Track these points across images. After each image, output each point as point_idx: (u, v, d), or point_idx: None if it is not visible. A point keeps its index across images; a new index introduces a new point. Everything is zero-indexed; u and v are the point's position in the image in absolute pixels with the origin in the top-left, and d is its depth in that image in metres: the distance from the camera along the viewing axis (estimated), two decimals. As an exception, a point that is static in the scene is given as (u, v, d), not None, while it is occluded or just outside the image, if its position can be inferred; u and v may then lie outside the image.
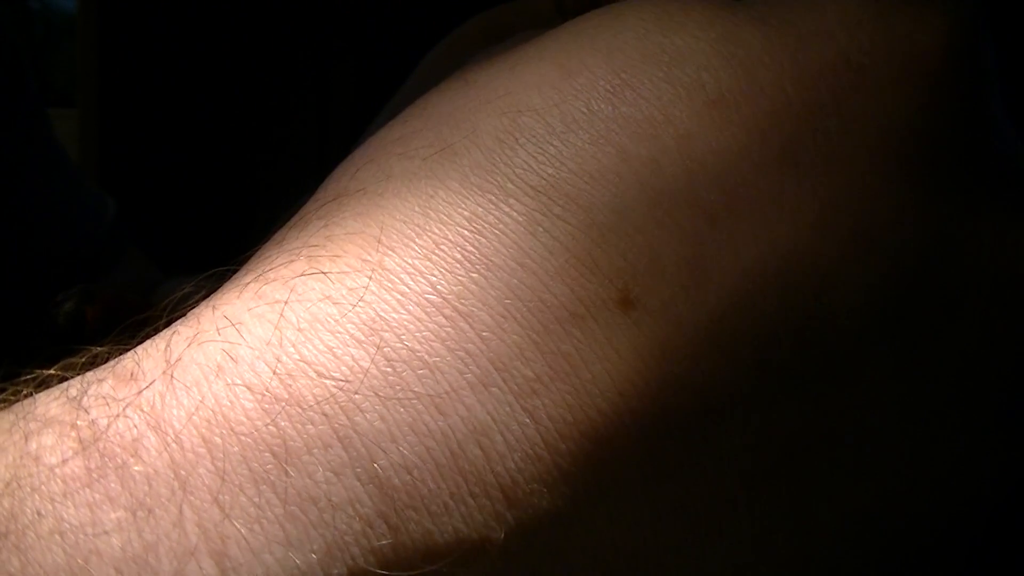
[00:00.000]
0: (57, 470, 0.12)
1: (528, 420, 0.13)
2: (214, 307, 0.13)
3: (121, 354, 0.13)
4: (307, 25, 1.01)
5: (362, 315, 0.13)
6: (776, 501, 0.14)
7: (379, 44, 0.94)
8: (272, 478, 0.12)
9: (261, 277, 0.14)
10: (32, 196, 0.40)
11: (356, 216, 0.14)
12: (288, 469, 0.12)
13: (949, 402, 0.15)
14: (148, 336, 0.14)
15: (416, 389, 0.12)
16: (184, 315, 0.14)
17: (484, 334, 0.13)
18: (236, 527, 0.11)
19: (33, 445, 0.12)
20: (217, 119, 1.02)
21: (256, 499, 0.12)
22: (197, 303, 0.14)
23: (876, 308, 0.14)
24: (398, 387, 0.12)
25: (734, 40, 0.15)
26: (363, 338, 0.13)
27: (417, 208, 0.14)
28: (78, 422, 0.12)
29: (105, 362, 0.13)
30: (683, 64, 0.15)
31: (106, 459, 0.12)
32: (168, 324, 0.14)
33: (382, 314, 0.13)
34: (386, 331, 0.13)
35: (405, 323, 0.13)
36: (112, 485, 0.11)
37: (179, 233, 0.89)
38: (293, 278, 0.13)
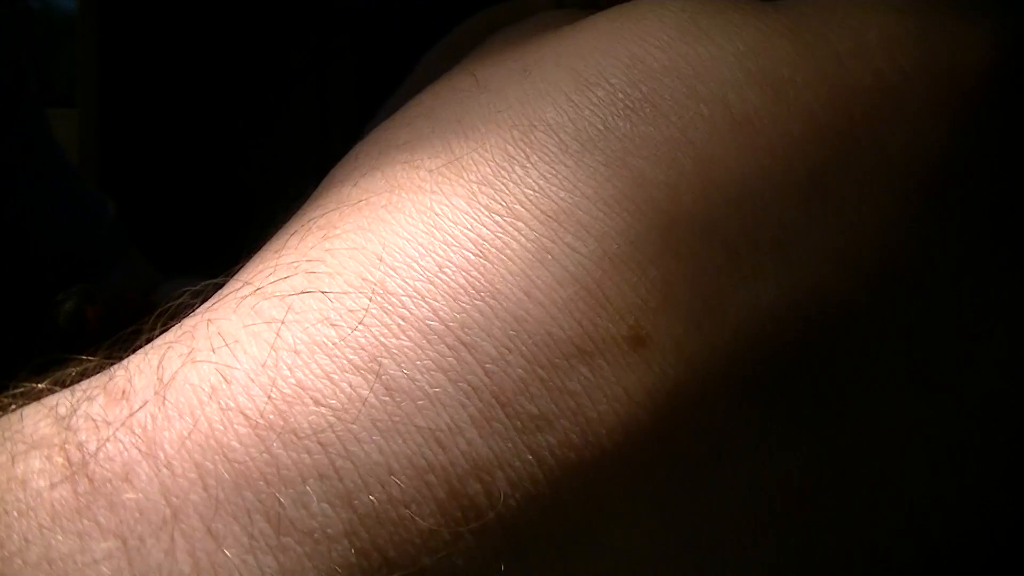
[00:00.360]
0: (45, 495, 0.11)
1: (531, 458, 0.12)
2: (209, 321, 0.13)
3: (113, 365, 0.13)
4: (307, 25, 1.01)
5: (361, 340, 0.12)
6: (786, 538, 0.14)
7: (379, 44, 0.94)
8: (266, 508, 0.11)
9: (259, 292, 0.13)
10: (32, 197, 0.40)
11: (358, 230, 0.14)
12: (282, 499, 0.11)
13: (969, 443, 0.15)
14: (142, 346, 0.13)
15: (416, 421, 0.12)
16: (179, 324, 0.13)
17: (487, 366, 0.12)
18: (228, 556, 0.11)
19: (20, 468, 0.11)
20: (217, 119, 1.02)
21: (249, 528, 0.11)
22: (194, 309, 0.14)
23: (898, 348, 0.14)
24: (397, 418, 0.12)
25: (764, 54, 0.14)
26: (361, 364, 0.12)
27: (421, 226, 0.13)
28: (67, 444, 0.12)
29: (97, 374, 0.13)
30: (707, 79, 0.14)
31: (96, 484, 0.11)
32: (164, 332, 0.13)
33: (382, 340, 0.12)
34: (385, 358, 0.12)
35: (405, 350, 0.12)
36: (102, 512, 0.11)
37: (179, 233, 0.89)
38: (291, 295, 0.13)
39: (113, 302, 0.30)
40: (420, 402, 0.12)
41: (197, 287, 0.15)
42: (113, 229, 0.45)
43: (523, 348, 0.13)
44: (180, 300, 0.14)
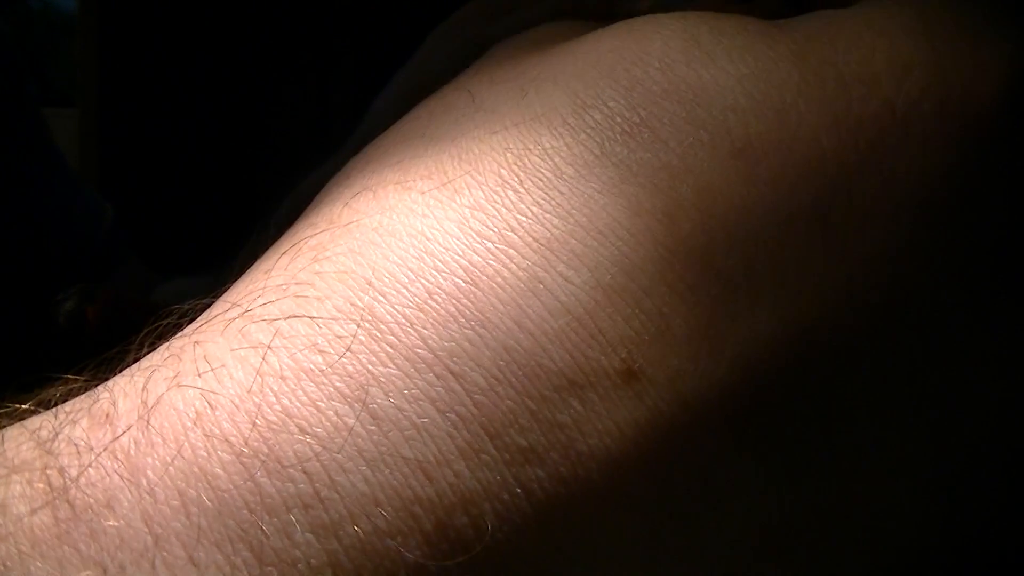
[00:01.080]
0: (25, 520, 0.11)
1: (520, 491, 0.12)
2: (196, 343, 0.13)
3: (99, 386, 0.13)
4: (307, 25, 1.01)
5: (348, 367, 0.12)
6: (785, 570, 0.14)
7: (379, 44, 0.94)
8: (249, 537, 0.11)
9: (247, 314, 0.13)
10: (29, 200, 0.40)
11: (348, 253, 0.13)
12: (266, 528, 0.11)
13: (972, 476, 0.14)
14: (129, 365, 0.13)
15: (403, 452, 0.12)
16: (167, 345, 0.13)
17: (476, 397, 0.12)
18: None
19: (0, 493, 0.11)
20: (217, 119, 1.02)
21: (232, 558, 0.11)
22: (182, 329, 0.13)
23: (900, 381, 0.13)
24: (384, 448, 0.12)
25: (767, 79, 0.14)
26: (349, 392, 0.12)
27: (412, 251, 0.13)
28: (48, 469, 0.11)
29: (82, 394, 0.13)
30: (709, 103, 0.14)
31: (77, 511, 0.11)
32: (151, 353, 0.13)
33: (369, 367, 0.12)
34: (373, 386, 0.12)
35: (393, 379, 0.12)
36: (83, 539, 0.11)
37: (179, 232, 0.89)
38: (279, 319, 0.13)
39: (113, 302, 0.30)
40: (407, 432, 0.12)
41: (185, 306, 0.14)
42: (111, 235, 0.45)
43: (513, 379, 0.12)
44: (168, 320, 0.14)
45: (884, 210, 0.13)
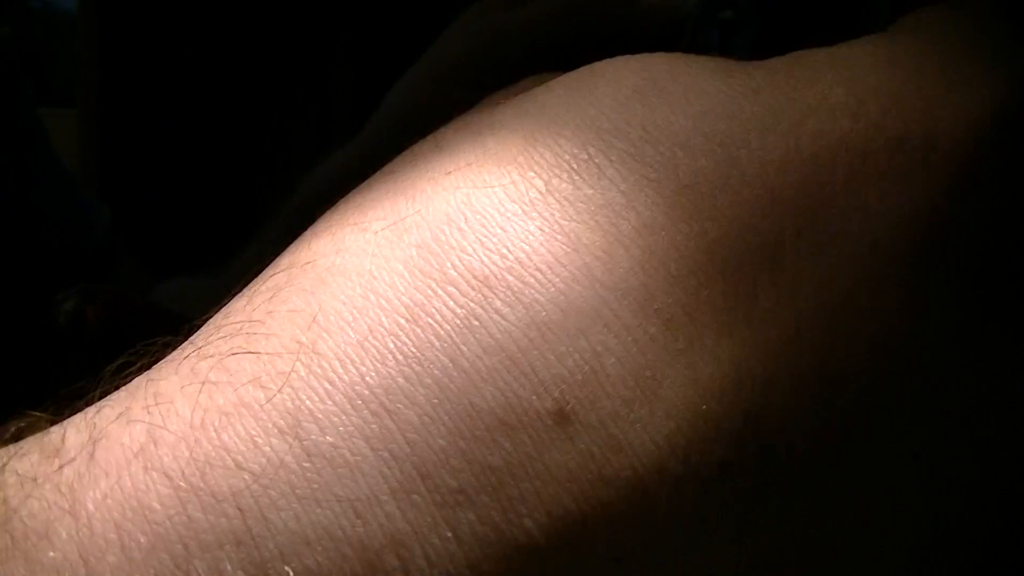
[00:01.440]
0: None
1: (450, 535, 0.12)
2: (149, 380, 0.13)
3: (57, 422, 0.13)
4: (308, 26, 1.01)
5: (288, 403, 0.12)
6: None
7: (380, 45, 0.94)
8: (181, 572, 0.11)
9: (199, 351, 0.13)
10: (26, 201, 0.40)
11: (300, 292, 0.14)
12: (197, 564, 0.11)
13: (954, 524, 0.14)
14: (91, 403, 0.13)
15: (335, 490, 0.12)
16: (125, 385, 0.13)
17: (409, 435, 0.12)
18: None
19: None
20: (217, 119, 1.02)
21: None
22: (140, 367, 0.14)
23: (858, 428, 0.13)
24: (316, 485, 0.12)
25: (723, 116, 0.14)
26: (286, 428, 0.12)
27: (359, 289, 0.13)
28: None
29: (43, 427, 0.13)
30: (658, 140, 0.14)
31: (17, 541, 0.11)
32: (109, 391, 0.13)
33: (307, 403, 0.12)
34: (310, 422, 0.12)
35: (330, 415, 0.12)
36: (19, 570, 0.11)
37: (179, 232, 0.89)
38: (227, 356, 0.13)
39: (113, 302, 0.30)
40: (340, 470, 0.12)
41: (148, 343, 0.15)
42: (107, 236, 0.45)
43: (445, 418, 0.12)
44: (124, 359, 0.14)
45: (838, 252, 0.13)
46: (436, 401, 0.12)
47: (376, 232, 0.14)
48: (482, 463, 0.12)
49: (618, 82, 0.15)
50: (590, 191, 0.13)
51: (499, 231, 0.13)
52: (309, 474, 0.12)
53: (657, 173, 0.13)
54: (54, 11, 1.32)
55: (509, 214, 0.13)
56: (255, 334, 0.13)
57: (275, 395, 0.12)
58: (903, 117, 0.14)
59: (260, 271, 0.15)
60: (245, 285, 0.15)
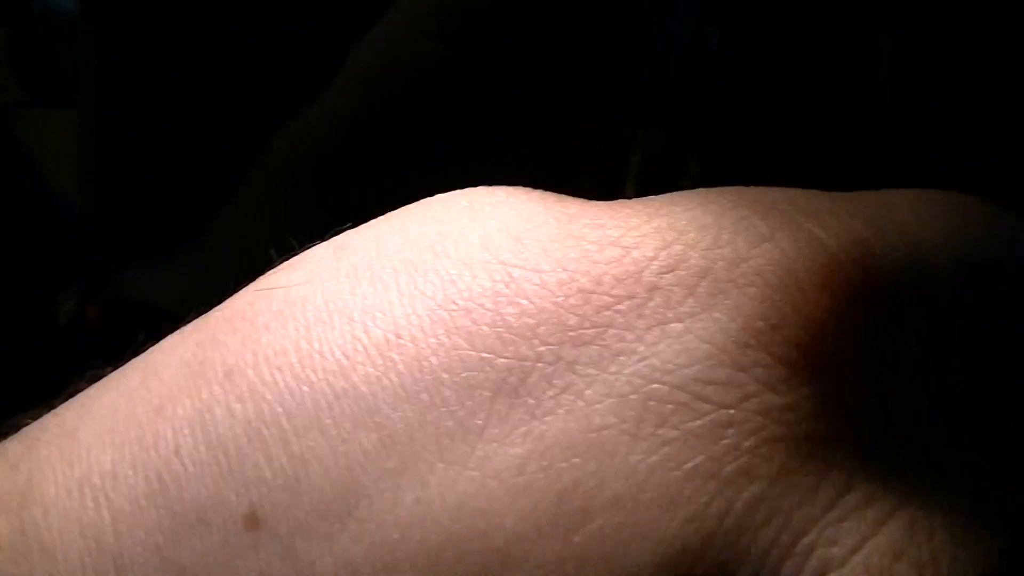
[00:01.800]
0: None
1: None
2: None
3: None
4: (308, 27, 1.01)
5: (20, 482, 0.13)
6: None
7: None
8: None
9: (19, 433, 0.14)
10: None
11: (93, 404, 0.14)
12: None
13: None
14: None
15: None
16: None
17: (119, 526, 0.12)
18: None
19: None
20: (218, 119, 1.02)
21: None
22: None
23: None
24: (27, 566, 0.12)
25: (522, 235, 0.13)
26: (13, 508, 0.12)
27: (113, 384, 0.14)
28: None
29: None
30: (446, 254, 0.13)
31: None
32: None
33: (48, 488, 0.13)
34: (36, 505, 0.12)
35: (58, 500, 0.12)
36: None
37: (179, 232, 0.89)
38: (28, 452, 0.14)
39: (113, 302, 0.30)
40: (48, 551, 0.12)
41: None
42: (77, 232, 0.45)
43: (152, 510, 0.12)
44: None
45: (589, 391, 0.12)
46: (153, 490, 0.12)
47: (187, 362, 0.14)
48: (173, 561, 0.12)
49: (438, 204, 0.15)
50: (364, 300, 0.13)
51: (237, 337, 0.14)
52: (20, 554, 0.12)
53: (432, 289, 0.13)
54: (54, 11, 1.32)
55: (256, 324, 0.14)
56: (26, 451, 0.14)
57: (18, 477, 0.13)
58: (707, 253, 0.13)
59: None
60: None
